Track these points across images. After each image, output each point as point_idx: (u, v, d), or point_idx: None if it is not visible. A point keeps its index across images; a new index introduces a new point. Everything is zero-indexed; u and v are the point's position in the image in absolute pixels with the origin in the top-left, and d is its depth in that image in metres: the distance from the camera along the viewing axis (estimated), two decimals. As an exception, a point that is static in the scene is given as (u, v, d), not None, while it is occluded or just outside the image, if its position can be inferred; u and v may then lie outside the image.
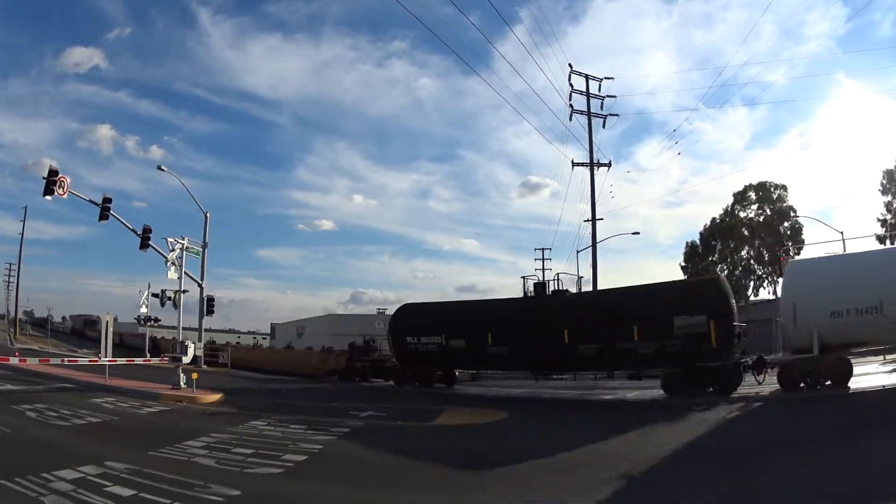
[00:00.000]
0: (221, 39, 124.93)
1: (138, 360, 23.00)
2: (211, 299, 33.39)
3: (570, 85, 34.30)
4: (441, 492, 7.71)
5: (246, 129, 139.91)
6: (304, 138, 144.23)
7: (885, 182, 44.69)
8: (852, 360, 16.97)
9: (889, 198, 44.40)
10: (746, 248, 52.30)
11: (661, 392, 18.69)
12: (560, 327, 20.27)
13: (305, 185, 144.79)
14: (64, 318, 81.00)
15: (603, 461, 9.32)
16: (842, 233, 35.96)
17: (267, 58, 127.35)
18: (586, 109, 34.38)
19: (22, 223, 53.71)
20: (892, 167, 44.23)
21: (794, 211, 50.11)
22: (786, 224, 50.15)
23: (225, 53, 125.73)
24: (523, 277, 24.35)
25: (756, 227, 51.02)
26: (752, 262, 52.27)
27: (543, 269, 62.22)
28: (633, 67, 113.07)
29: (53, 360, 21.61)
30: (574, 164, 35.04)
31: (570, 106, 34.66)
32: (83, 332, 67.64)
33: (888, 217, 44.30)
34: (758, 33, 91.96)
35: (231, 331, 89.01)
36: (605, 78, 34.73)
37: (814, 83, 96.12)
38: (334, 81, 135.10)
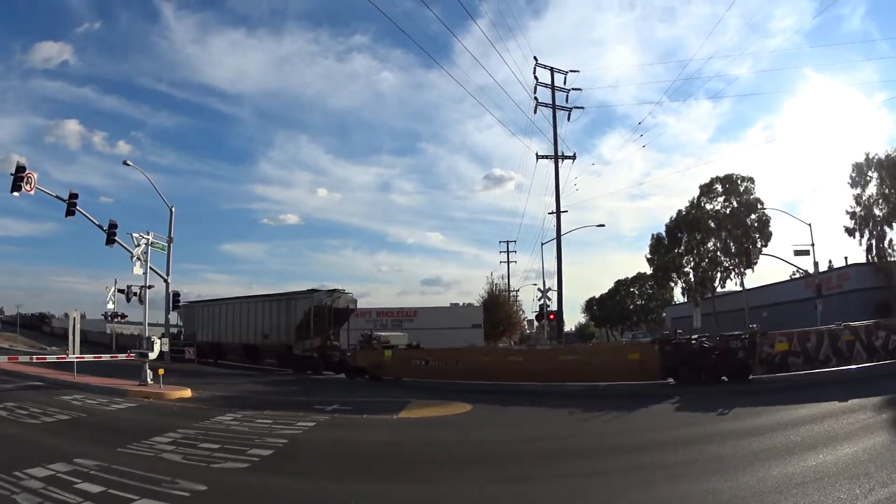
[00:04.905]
0: (184, 34, 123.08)
1: (105, 357, 22.94)
2: (177, 294, 33.32)
3: (535, 77, 34.66)
4: (404, 483, 8.03)
5: (208, 123, 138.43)
6: (266, 132, 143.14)
7: (853, 175, 45.25)
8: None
9: (858, 190, 45.02)
10: (713, 239, 53.04)
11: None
12: None
13: (268, 178, 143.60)
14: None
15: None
16: (809, 224, 37.30)
17: (229, 52, 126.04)
18: (551, 102, 34.72)
19: (-11, 221, 52.37)
20: (861, 160, 45.00)
21: (761, 203, 50.94)
22: (753, 216, 50.92)
23: (187, 48, 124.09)
24: None
25: (723, 220, 51.75)
26: (718, 253, 53.15)
27: (508, 262, 62.81)
28: (595, 60, 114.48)
29: (22, 358, 21.52)
30: (538, 157, 35.49)
31: (535, 98, 35.02)
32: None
33: (857, 209, 45.17)
34: (723, 27, 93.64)
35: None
36: (571, 71, 35.21)
37: (780, 77, 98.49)
38: (296, 75, 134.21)
